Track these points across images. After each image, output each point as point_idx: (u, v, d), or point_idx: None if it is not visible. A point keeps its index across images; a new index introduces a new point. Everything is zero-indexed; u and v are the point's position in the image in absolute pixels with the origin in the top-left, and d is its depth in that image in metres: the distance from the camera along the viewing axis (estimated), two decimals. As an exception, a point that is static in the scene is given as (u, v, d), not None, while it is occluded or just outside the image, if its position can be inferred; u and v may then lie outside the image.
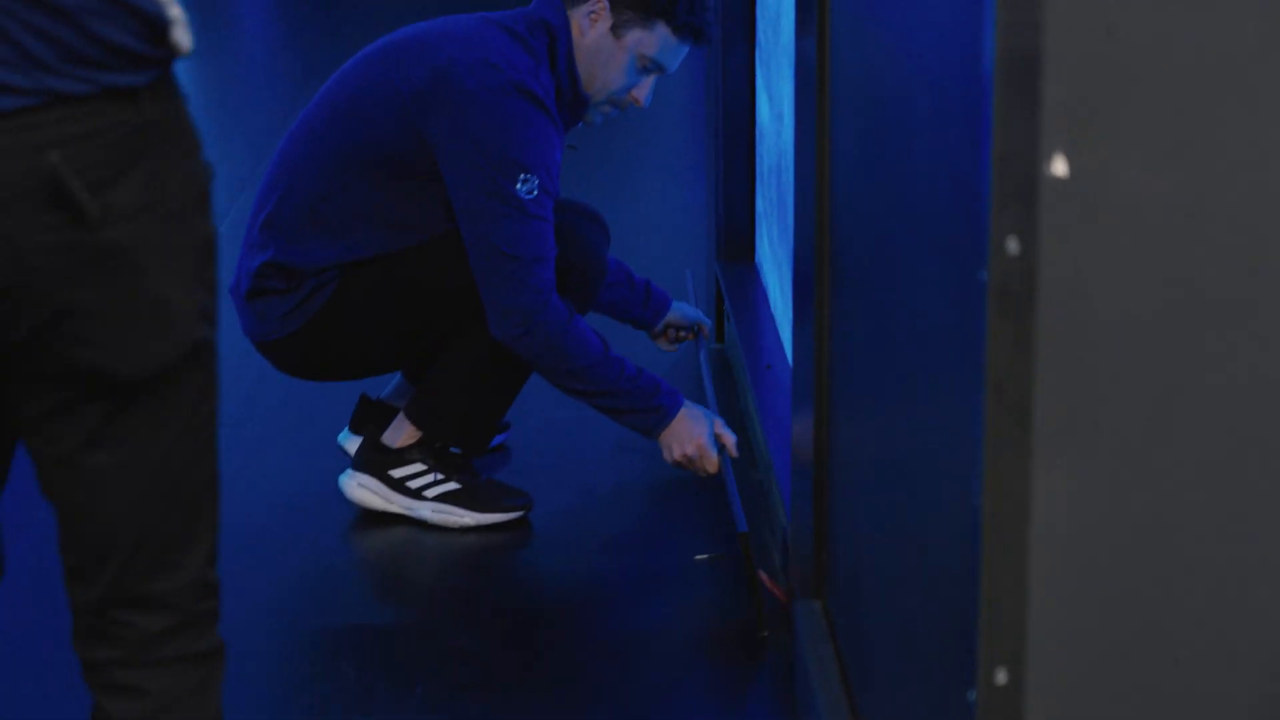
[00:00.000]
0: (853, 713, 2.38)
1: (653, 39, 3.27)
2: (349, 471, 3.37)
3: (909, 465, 1.96)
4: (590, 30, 3.25)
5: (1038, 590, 1.56)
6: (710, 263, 4.41)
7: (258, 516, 3.34)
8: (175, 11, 1.73)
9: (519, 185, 3.12)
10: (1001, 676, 1.58)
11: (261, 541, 3.26)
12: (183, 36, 1.73)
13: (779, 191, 3.75)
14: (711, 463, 3.28)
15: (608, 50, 3.27)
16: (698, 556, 3.23)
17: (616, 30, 3.25)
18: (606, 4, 3.24)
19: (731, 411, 3.73)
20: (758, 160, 4.23)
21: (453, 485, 3.32)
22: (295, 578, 3.19)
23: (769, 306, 3.97)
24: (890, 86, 2.03)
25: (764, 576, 2.99)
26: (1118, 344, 1.51)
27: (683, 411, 3.28)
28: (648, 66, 3.30)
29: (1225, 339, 1.52)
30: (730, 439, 3.32)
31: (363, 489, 3.34)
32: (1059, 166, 1.48)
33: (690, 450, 3.28)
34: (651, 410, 3.27)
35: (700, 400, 3.49)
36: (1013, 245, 1.49)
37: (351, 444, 3.50)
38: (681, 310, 3.79)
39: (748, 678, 2.90)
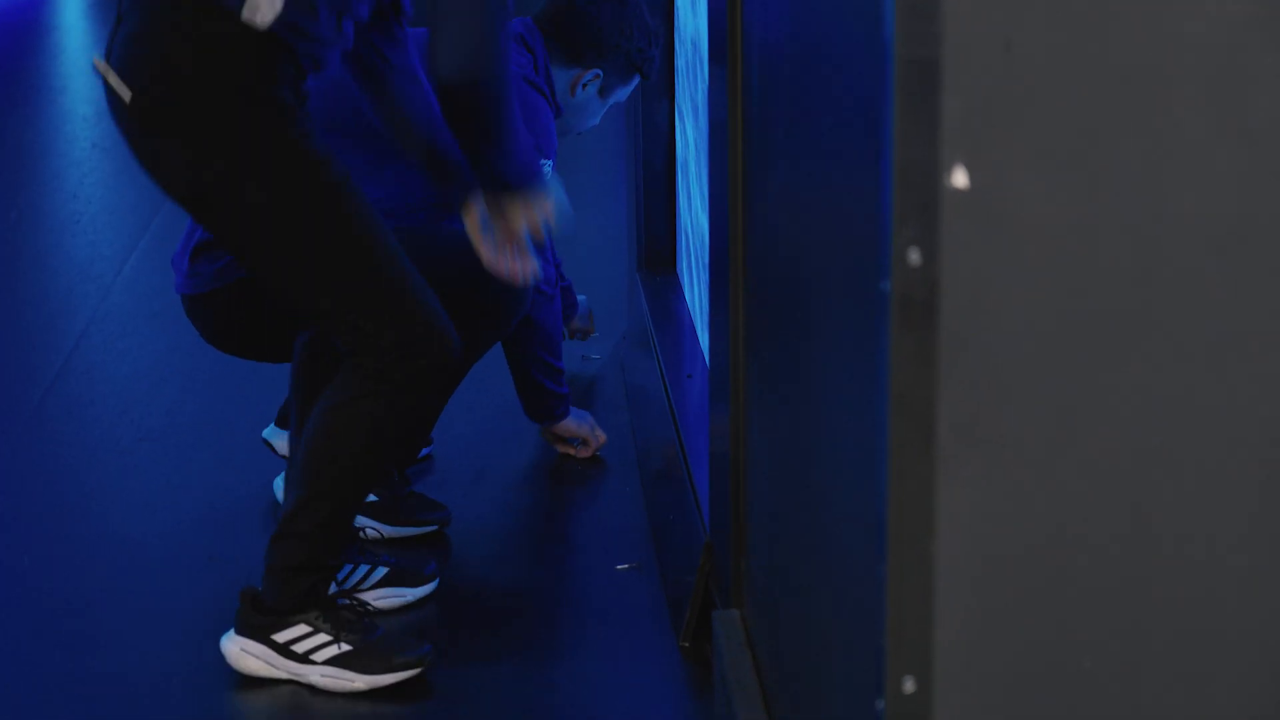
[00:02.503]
0: (768, 719, 2.38)
1: (627, 89, 3.69)
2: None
3: (819, 476, 1.96)
4: (582, 92, 3.59)
5: (943, 600, 1.56)
6: (632, 272, 4.41)
7: (180, 532, 3.31)
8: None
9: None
10: (909, 685, 1.58)
11: (182, 557, 3.24)
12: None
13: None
14: (594, 444, 3.67)
15: (594, 106, 3.65)
16: (619, 566, 3.22)
17: (604, 92, 3.62)
18: (601, 73, 3.58)
19: (655, 432, 3.73)
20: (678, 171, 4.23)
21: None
22: (210, 598, 3.10)
23: (690, 315, 3.97)
24: (798, 101, 2.03)
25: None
26: (1018, 354, 1.52)
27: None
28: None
29: (1122, 349, 1.52)
30: (602, 438, 3.69)
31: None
32: (959, 179, 1.48)
33: (584, 431, 3.66)
34: (564, 398, 3.63)
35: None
36: (914, 256, 1.49)
37: (278, 439, 3.46)
38: (584, 306, 4.14)
39: (668, 686, 2.89)
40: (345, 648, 2.78)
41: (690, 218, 3.93)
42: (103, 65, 2.64)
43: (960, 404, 1.52)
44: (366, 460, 2.76)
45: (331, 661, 2.78)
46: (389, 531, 3.29)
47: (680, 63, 4.11)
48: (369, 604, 2.94)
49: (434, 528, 3.34)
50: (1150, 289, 1.52)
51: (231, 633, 2.83)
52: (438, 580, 3.12)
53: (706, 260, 3.09)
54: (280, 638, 2.78)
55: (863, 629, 1.68)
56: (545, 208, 2.93)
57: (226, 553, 3.23)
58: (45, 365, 4.16)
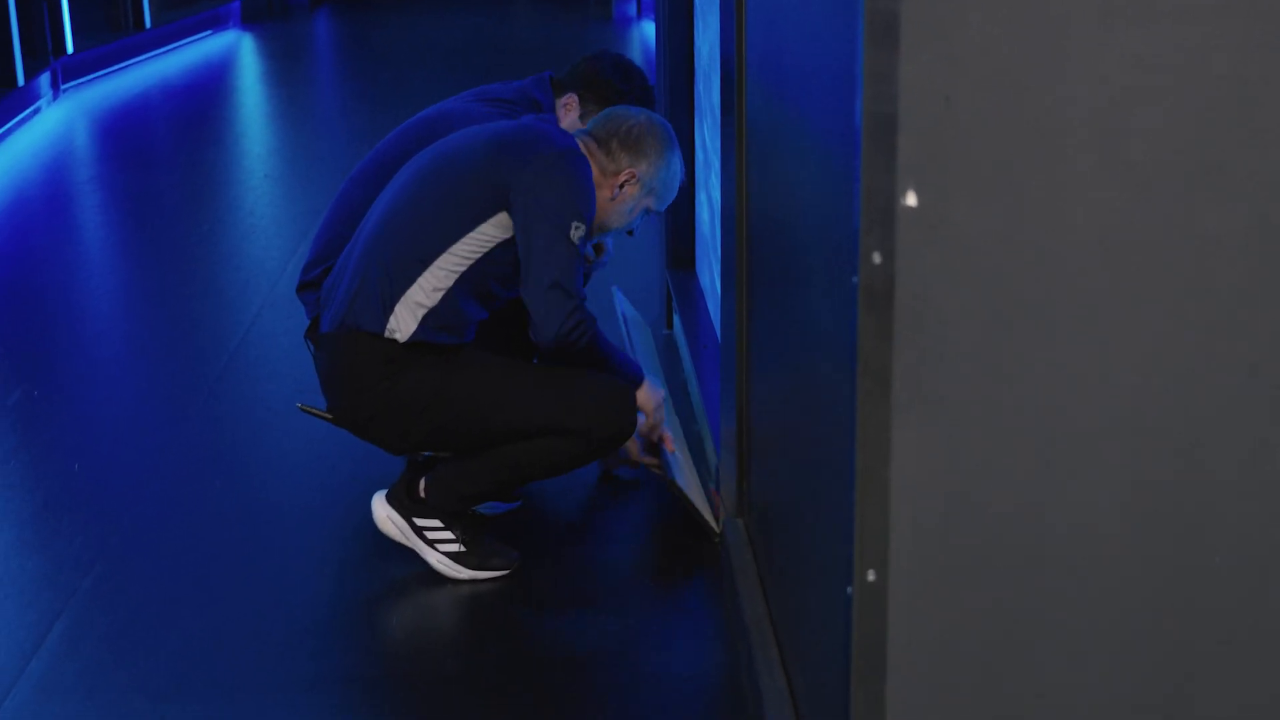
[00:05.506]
0: (764, 602, 2.37)
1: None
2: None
3: (803, 420, 1.96)
4: (565, 118, 3.21)
5: (896, 513, 1.56)
6: (662, 270, 4.39)
7: (313, 497, 3.27)
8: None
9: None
10: (871, 576, 1.58)
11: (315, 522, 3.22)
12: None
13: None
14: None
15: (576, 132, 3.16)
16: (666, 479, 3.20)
17: (584, 118, 3.20)
18: (576, 99, 3.21)
19: (676, 382, 3.72)
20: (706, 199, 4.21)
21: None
22: (330, 530, 3.08)
23: (705, 302, 3.95)
24: (790, 139, 2.02)
25: (713, 493, 2.95)
26: (954, 332, 1.51)
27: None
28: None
29: (1031, 329, 1.52)
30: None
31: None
32: (910, 200, 1.47)
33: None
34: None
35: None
36: (877, 257, 1.49)
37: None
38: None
39: (692, 577, 2.88)
40: (460, 548, 2.81)
41: (710, 226, 3.91)
42: None
43: (910, 369, 1.51)
44: (548, 468, 2.80)
45: (448, 554, 2.81)
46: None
47: (699, 94, 4.08)
48: (481, 514, 2.95)
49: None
50: (1050, 284, 1.51)
51: (384, 498, 2.85)
52: (521, 500, 3.09)
53: (719, 259, 3.07)
54: (419, 522, 2.83)
55: (836, 534, 1.67)
56: (652, 406, 2.91)
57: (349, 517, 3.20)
58: (229, 336, 4.17)
